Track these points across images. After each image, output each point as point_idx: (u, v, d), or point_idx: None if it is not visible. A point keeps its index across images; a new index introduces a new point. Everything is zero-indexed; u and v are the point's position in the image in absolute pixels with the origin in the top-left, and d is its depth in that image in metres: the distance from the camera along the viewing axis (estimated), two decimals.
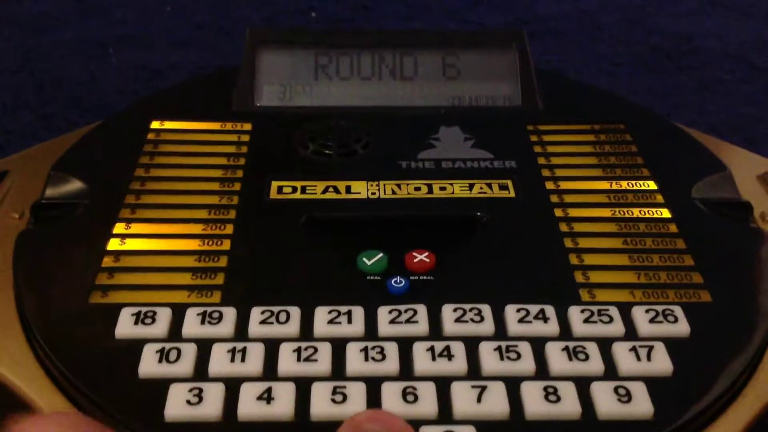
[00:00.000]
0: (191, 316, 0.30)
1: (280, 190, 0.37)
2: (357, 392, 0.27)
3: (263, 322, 0.30)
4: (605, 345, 0.29)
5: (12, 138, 0.55)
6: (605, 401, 0.27)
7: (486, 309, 0.31)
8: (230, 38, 0.69)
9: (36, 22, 0.71)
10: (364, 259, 0.33)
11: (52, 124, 0.56)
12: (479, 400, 0.27)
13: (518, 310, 0.31)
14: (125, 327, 0.30)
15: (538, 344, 0.29)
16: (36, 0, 0.74)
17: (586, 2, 0.75)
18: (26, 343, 0.31)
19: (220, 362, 0.28)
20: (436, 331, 0.30)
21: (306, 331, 0.30)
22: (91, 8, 0.73)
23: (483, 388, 0.27)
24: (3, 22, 0.71)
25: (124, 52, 0.67)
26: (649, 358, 0.29)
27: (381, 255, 0.33)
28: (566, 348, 0.29)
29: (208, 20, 0.72)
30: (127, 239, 0.34)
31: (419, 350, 0.29)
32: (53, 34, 0.69)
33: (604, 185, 0.38)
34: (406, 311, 0.30)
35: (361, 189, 0.37)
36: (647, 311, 0.31)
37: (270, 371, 0.28)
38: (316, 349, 0.29)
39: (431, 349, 0.29)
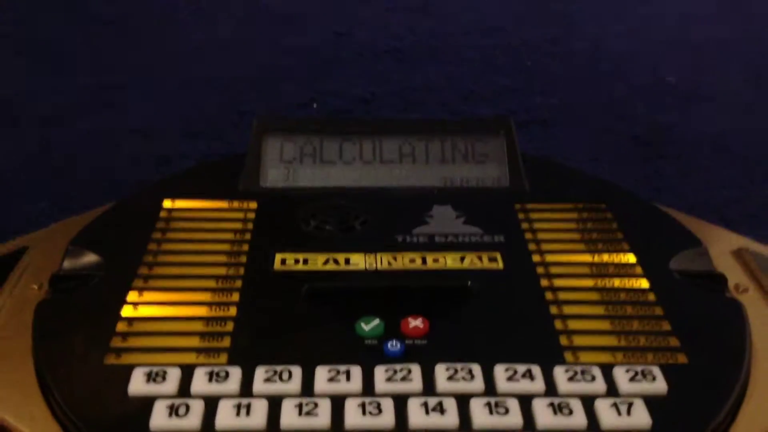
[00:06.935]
0: (200, 375, 0.32)
1: (283, 262, 0.40)
2: None
3: (267, 380, 0.32)
4: (588, 401, 0.31)
5: (30, 222, 0.58)
6: None
7: (476, 368, 0.33)
8: (237, 129, 0.73)
9: (53, 112, 0.75)
10: (362, 325, 0.35)
11: (67, 209, 0.59)
12: None
13: (507, 369, 0.33)
14: (138, 385, 0.32)
15: (525, 401, 0.31)
16: (54, 92, 0.79)
17: (573, 96, 0.80)
18: (45, 403, 0.32)
19: (226, 417, 0.30)
20: (429, 389, 0.32)
21: (307, 389, 0.32)
22: (107, 101, 0.77)
23: None
24: (22, 114, 0.75)
25: (137, 141, 0.70)
26: (629, 413, 0.31)
27: (378, 321, 0.35)
28: (552, 404, 0.31)
29: (216, 113, 0.76)
30: (140, 306, 0.37)
31: (414, 405, 0.31)
32: (70, 124, 0.73)
33: (586, 258, 0.41)
34: (401, 370, 0.33)
35: (359, 261, 0.40)
36: (627, 371, 0.33)
37: (273, 425, 0.30)
38: (316, 405, 0.31)
39: (425, 404, 0.31)
